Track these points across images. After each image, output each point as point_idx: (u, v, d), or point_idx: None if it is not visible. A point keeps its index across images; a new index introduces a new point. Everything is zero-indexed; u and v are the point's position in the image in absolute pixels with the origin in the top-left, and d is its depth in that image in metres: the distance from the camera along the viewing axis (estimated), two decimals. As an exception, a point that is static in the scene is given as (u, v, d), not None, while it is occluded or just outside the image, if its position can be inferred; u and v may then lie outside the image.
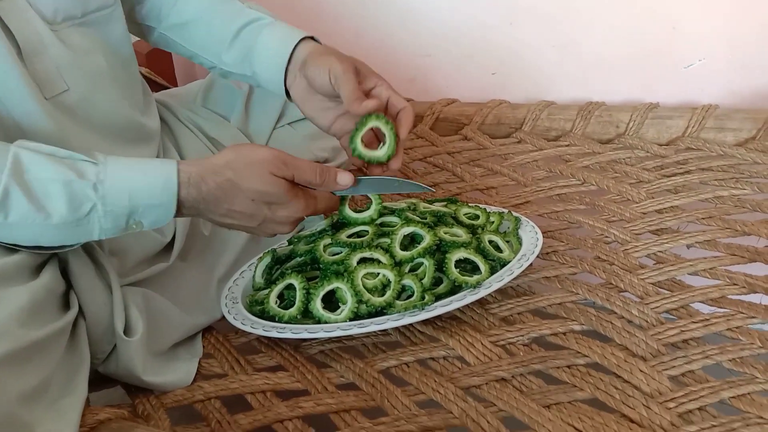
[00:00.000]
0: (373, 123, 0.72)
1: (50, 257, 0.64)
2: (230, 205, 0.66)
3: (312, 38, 0.79)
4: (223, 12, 0.83)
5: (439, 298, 0.70)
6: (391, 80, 0.76)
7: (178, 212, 0.64)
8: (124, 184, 0.61)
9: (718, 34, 1.08)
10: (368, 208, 0.77)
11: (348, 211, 0.76)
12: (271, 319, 0.71)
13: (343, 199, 0.75)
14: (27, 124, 0.66)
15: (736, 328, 0.65)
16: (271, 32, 0.80)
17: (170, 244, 0.80)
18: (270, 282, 0.77)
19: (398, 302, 0.69)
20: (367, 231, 0.76)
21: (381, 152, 0.73)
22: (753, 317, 0.65)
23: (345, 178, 0.71)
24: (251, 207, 0.66)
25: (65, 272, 0.66)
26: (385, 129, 0.72)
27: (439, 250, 0.74)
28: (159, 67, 1.28)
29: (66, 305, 0.65)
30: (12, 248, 0.61)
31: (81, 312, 0.65)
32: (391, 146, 0.73)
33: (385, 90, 0.75)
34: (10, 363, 0.53)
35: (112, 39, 0.76)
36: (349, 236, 0.76)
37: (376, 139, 0.75)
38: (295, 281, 0.72)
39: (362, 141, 0.73)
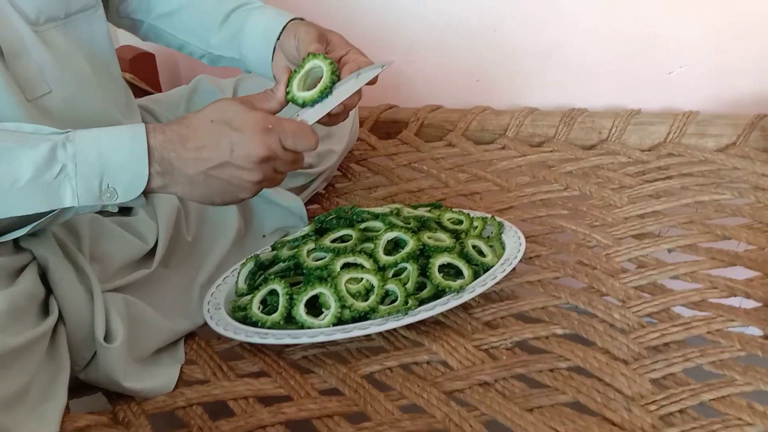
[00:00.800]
0: (311, 62, 0.68)
1: (29, 262, 0.64)
2: (195, 141, 0.62)
3: (302, 19, 0.79)
4: None
5: (422, 302, 0.70)
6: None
7: (150, 176, 0.61)
8: (93, 142, 0.59)
9: (699, 41, 1.10)
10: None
11: (295, 87, 0.68)
12: (254, 324, 0.70)
13: (290, 78, 0.68)
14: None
15: (717, 330, 0.65)
16: (260, 14, 0.80)
17: (152, 251, 0.79)
18: (253, 288, 0.76)
19: (382, 307, 0.69)
20: (351, 236, 0.76)
21: (314, 91, 0.67)
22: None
23: (283, 77, 0.68)
24: (213, 131, 0.62)
25: (44, 278, 0.65)
26: (324, 65, 0.67)
27: (423, 255, 0.74)
28: (143, 73, 1.28)
29: (45, 311, 0.64)
30: None
31: (61, 318, 0.65)
32: (325, 79, 0.67)
33: (353, 55, 0.73)
34: None
35: (95, 40, 0.76)
36: (333, 241, 0.76)
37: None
38: (279, 287, 0.71)
39: (300, 86, 0.68)
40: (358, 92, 0.70)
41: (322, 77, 0.68)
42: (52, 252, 0.65)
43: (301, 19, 0.79)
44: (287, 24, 0.77)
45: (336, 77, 0.68)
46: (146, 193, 0.62)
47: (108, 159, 0.59)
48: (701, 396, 0.58)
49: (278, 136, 0.64)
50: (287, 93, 0.68)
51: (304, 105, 0.68)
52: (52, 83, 0.69)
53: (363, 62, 0.71)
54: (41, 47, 0.69)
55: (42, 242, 0.65)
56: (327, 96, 0.68)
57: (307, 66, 0.68)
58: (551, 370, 0.64)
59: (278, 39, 0.77)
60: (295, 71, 0.69)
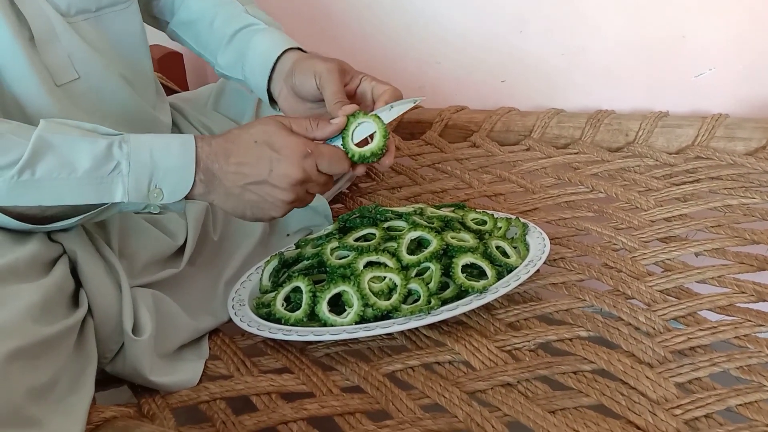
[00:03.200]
0: (358, 120, 0.71)
1: (60, 255, 0.65)
2: (237, 157, 0.66)
3: (299, 48, 0.81)
4: (223, 14, 0.85)
5: (445, 302, 0.70)
6: (399, 87, 0.76)
7: (194, 183, 0.65)
8: (146, 145, 0.64)
9: (728, 44, 1.08)
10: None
11: (351, 144, 0.71)
12: (278, 321, 0.71)
13: (344, 137, 0.72)
14: (34, 110, 0.67)
15: (744, 336, 0.64)
16: (261, 38, 0.82)
17: (180, 249, 0.80)
18: (277, 285, 0.77)
19: (404, 306, 0.69)
20: (374, 235, 0.76)
21: (372, 145, 0.71)
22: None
23: (337, 120, 0.71)
24: (256, 150, 0.66)
25: (74, 272, 0.66)
26: (379, 128, 0.71)
27: (446, 255, 0.74)
28: (171, 72, 1.29)
29: (75, 304, 0.65)
30: (22, 242, 0.62)
31: (89, 311, 0.66)
32: (380, 137, 0.71)
33: (368, 83, 0.76)
34: (22, 358, 0.53)
35: (126, 35, 0.77)
36: (357, 240, 0.77)
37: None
38: (302, 284, 0.72)
39: (352, 141, 0.72)
40: (391, 153, 0.74)
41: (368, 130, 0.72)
42: (81, 245, 0.66)
43: (297, 48, 0.80)
44: (283, 54, 0.79)
45: (383, 128, 0.72)
46: (188, 198, 0.66)
47: (158, 161, 0.63)
48: (728, 401, 0.57)
49: (315, 160, 0.68)
50: (343, 137, 0.71)
51: (354, 158, 0.71)
52: (80, 70, 0.72)
53: (390, 93, 0.75)
54: (71, 35, 0.71)
55: (72, 236, 0.66)
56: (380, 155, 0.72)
57: (362, 121, 0.72)
58: (575, 373, 0.64)
59: (273, 69, 0.79)
60: (344, 132, 0.71)
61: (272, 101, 0.83)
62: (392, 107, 0.73)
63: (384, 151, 0.72)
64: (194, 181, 0.65)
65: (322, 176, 0.69)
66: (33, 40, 0.68)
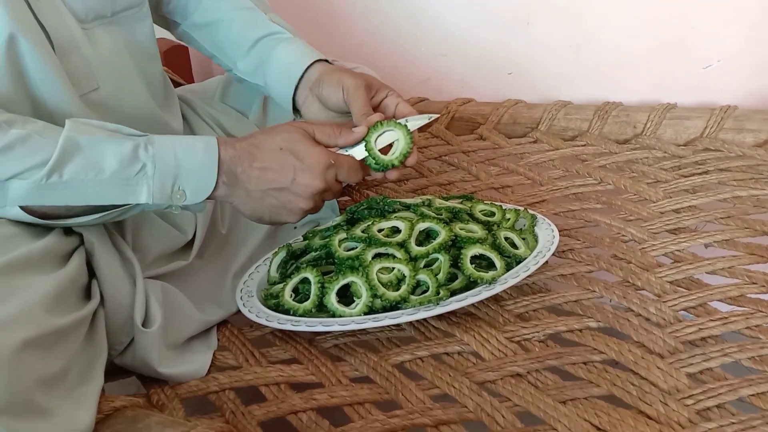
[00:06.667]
0: (381, 128, 0.74)
1: (77, 247, 0.65)
2: (262, 162, 0.67)
3: (326, 60, 0.82)
4: (244, 19, 0.85)
5: (454, 293, 0.70)
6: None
7: (217, 184, 0.66)
8: (170, 147, 0.65)
9: (736, 35, 1.07)
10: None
11: (376, 151, 0.74)
12: (286, 312, 0.71)
13: (367, 143, 0.74)
14: (61, 119, 0.67)
15: (756, 326, 0.64)
16: (287, 47, 0.83)
17: (189, 243, 0.80)
18: (285, 276, 0.77)
19: (413, 297, 0.69)
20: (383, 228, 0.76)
21: (394, 157, 0.74)
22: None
23: (360, 128, 0.74)
24: (280, 158, 0.68)
25: (88, 264, 0.67)
26: (403, 137, 0.74)
27: (455, 246, 0.73)
28: (176, 66, 1.29)
29: (87, 296, 0.65)
30: (40, 234, 0.62)
31: (101, 303, 0.66)
32: (404, 144, 0.74)
33: (393, 99, 0.79)
34: (33, 348, 0.53)
35: (139, 37, 0.78)
36: (364, 231, 0.76)
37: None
38: (310, 275, 0.72)
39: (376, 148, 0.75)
40: (415, 153, 0.76)
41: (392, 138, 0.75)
42: (99, 238, 0.67)
43: (325, 60, 0.82)
44: (311, 66, 0.81)
45: (407, 134, 0.75)
46: (209, 198, 0.67)
47: (182, 163, 0.65)
48: (740, 391, 0.57)
49: (335, 172, 0.70)
50: (366, 144, 0.74)
51: (378, 165, 0.74)
52: (98, 80, 0.72)
53: (401, 108, 0.78)
54: (89, 45, 0.71)
55: (91, 228, 0.67)
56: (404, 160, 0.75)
57: (386, 129, 0.75)
58: (585, 363, 0.63)
59: (301, 79, 0.81)
60: (367, 138, 0.74)
61: (294, 110, 0.84)
62: (407, 121, 0.76)
63: (407, 156, 0.74)
64: (217, 182, 0.66)
65: (338, 185, 0.72)
66: (54, 50, 0.68)
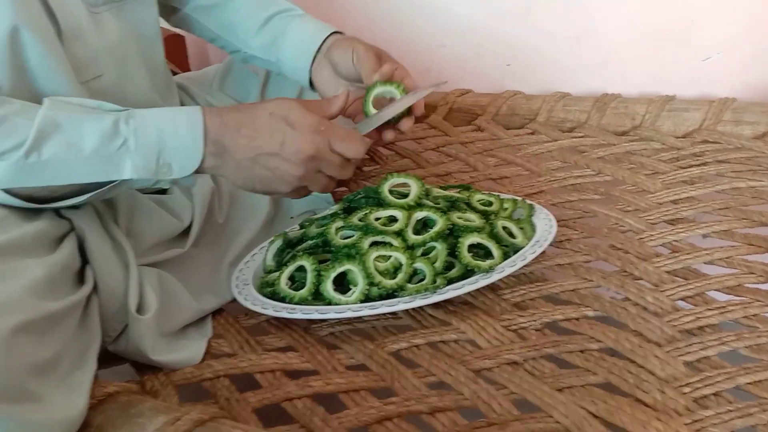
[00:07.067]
0: (381, 87, 0.75)
1: (68, 232, 0.64)
2: (250, 129, 0.65)
3: (341, 33, 0.84)
4: None
5: (451, 282, 0.69)
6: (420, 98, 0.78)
7: (204, 156, 0.64)
8: (152, 120, 0.63)
9: (736, 28, 1.07)
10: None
11: (370, 107, 0.75)
12: (282, 300, 0.70)
13: (365, 103, 0.75)
14: None
15: (753, 315, 0.64)
16: (302, 22, 0.84)
17: (185, 231, 0.80)
18: (281, 264, 0.76)
19: (410, 285, 0.68)
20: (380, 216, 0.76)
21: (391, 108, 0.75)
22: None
23: (342, 90, 0.74)
24: (269, 122, 0.66)
25: (81, 249, 0.66)
26: (394, 89, 0.75)
27: (452, 235, 0.73)
28: (173, 55, 1.29)
29: (80, 281, 0.65)
30: (31, 218, 0.61)
31: (94, 289, 0.65)
32: (399, 105, 0.74)
33: (401, 72, 0.78)
34: (26, 333, 0.52)
35: (145, 24, 0.78)
36: (361, 219, 0.76)
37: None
38: (306, 263, 0.71)
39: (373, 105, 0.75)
40: (411, 117, 0.78)
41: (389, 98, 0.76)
42: (89, 223, 0.66)
43: (341, 32, 0.83)
44: (328, 37, 0.82)
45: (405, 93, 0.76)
46: (198, 172, 0.65)
47: (166, 136, 0.63)
48: (737, 379, 0.57)
49: (328, 139, 0.68)
50: (365, 113, 0.75)
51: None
52: (102, 67, 0.72)
53: (408, 82, 0.78)
54: (95, 31, 0.70)
55: (81, 213, 0.66)
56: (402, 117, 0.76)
57: (382, 88, 0.76)
58: (582, 351, 0.63)
59: (318, 51, 0.81)
60: (367, 92, 0.75)
61: (311, 85, 0.85)
62: (414, 93, 0.77)
63: (403, 114, 0.75)
64: (203, 154, 0.64)
65: (336, 156, 0.69)
66: (60, 35, 0.67)
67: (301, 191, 0.71)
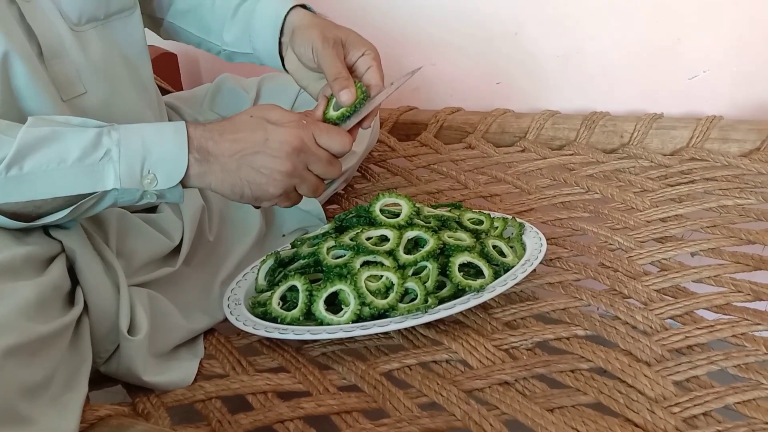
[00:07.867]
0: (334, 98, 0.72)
1: (58, 253, 0.64)
2: (234, 132, 0.65)
3: (303, 6, 0.80)
4: None
5: (442, 301, 0.69)
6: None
7: (189, 165, 0.63)
8: (137, 131, 0.63)
9: (722, 46, 1.09)
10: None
11: (330, 111, 0.72)
12: (274, 320, 0.70)
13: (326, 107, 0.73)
14: None
15: (741, 334, 0.64)
16: (266, 5, 0.81)
17: (176, 249, 0.80)
18: (273, 284, 0.77)
19: (401, 305, 0.69)
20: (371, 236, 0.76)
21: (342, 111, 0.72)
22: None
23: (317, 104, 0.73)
24: (251, 123, 0.66)
25: (71, 270, 0.66)
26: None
27: (443, 254, 0.73)
28: (165, 73, 1.29)
29: (71, 302, 0.64)
30: (21, 239, 0.61)
31: (85, 310, 0.65)
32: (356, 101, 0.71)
33: (366, 61, 0.75)
34: (16, 356, 0.52)
35: (130, 42, 0.77)
36: (352, 239, 0.76)
37: None
38: (298, 283, 0.71)
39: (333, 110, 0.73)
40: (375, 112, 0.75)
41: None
42: (80, 244, 0.65)
43: (303, 6, 0.79)
44: (288, 14, 0.78)
45: (366, 97, 0.72)
46: (184, 183, 0.64)
47: (150, 146, 0.62)
48: (726, 399, 0.57)
49: (312, 132, 0.67)
50: (324, 114, 0.73)
51: (330, 120, 0.72)
52: (87, 85, 0.71)
53: (370, 75, 0.74)
54: (79, 49, 0.70)
55: (71, 234, 0.65)
56: (355, 112, 0.72)
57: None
58: (572, 371, 0.63)
59: (282, 32, 0.78)
60: (331, 96, 0.73)
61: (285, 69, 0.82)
62: (392, 83, 0.74)
63: (357, 109, 0.72)
64: (188, 161, 0.63)
65: (323, 151, 0.68)
66: (42, 55, 0.67)
67: (291, 195, 0.69)
